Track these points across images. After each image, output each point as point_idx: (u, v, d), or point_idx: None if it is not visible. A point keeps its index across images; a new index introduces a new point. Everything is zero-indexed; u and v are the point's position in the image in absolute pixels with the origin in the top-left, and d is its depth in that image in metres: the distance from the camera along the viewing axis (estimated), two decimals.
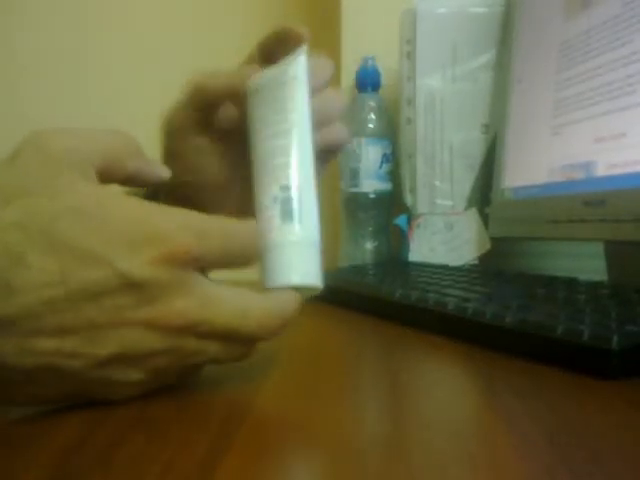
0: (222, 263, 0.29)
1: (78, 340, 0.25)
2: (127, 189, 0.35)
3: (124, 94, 1.00)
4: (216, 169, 0.40)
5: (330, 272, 0.68)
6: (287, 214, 0.33)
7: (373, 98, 0.80)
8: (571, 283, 0.49)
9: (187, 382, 0.31)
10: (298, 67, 0.36)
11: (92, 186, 0.29)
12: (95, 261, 0.25)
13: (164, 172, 0.34)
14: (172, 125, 0.39)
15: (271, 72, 0.37)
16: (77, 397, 0.28)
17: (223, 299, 0.28)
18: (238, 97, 0.36)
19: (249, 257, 0.30)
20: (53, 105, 0.99)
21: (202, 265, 0.28)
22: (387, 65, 0.81)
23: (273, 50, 0.38)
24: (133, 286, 0.25)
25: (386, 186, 0.80)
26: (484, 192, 0.73)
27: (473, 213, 0.74)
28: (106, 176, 0.30)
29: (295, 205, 0.33)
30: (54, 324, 0.25)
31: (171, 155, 0.39)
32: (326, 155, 0.38)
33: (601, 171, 0.53)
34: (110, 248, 0.25)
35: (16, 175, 0.27)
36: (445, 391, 0.32)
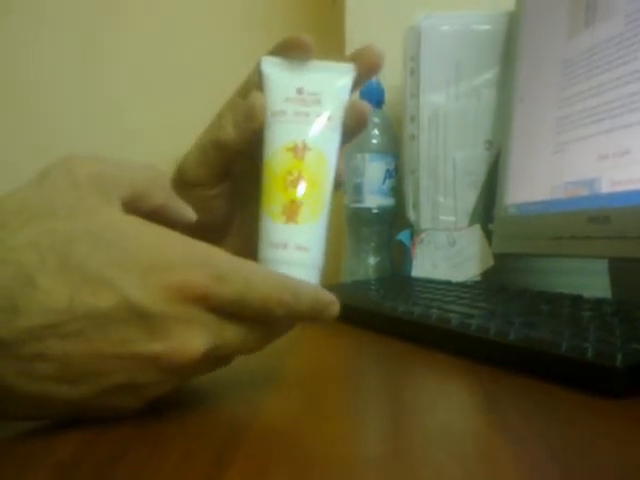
0: (235, 312, 0.27)
1: (82, 368, 0.25)
2: None
3: (132, 99, 1.00)
4: (221, 210, 0.39)
5: (333, 287, 0.68)
6: None
7: (377, 114, 0.80)
8: (575, 300, 0.49)
9: (188, 397, 0.31)
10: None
11: (113, 211, 0.28)
12: (105, 286, 0.25)
13: (190, 214, 0.33)
14: (187, 177, 0.37)
15: (326, 77, 0.36)
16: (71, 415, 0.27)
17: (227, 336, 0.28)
18: (256, 143, 0.35)
19: (265, 315, 0.28)
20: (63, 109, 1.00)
21: (212, 307, 0.26)
22: (391, 82, 0.81)
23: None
24: (141, 317, 0.25)
25: (389, 202, 0.80)
26: (487, 208, 0.73)
27: (476, 229, 0.74)
28: (133, 207, 0.30)
29: None
30: (57, 350, 0.24)
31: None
32: None
33: (605, 188, 0.53)
34: (122, 273, 0.25)
35: (43, 195, 0.27)
36: (447, 407, 0.32)
